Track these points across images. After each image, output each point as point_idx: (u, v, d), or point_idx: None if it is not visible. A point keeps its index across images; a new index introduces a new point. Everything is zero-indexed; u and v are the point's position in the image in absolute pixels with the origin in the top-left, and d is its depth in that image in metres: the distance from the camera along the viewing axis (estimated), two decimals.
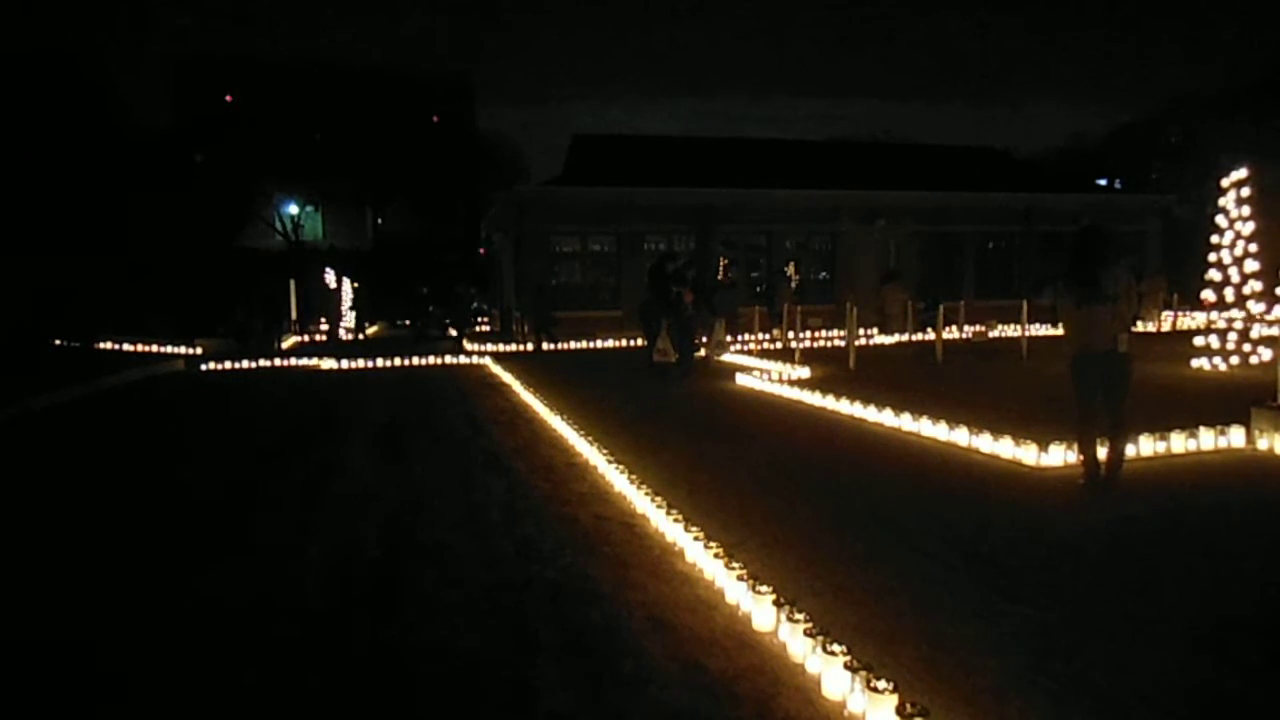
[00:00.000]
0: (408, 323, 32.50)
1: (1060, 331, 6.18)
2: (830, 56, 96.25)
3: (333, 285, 31.51)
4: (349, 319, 33.74)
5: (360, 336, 29.50)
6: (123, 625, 3.84)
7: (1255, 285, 11.68)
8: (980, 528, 4.87)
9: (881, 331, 18.36)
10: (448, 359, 17.41)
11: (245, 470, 7.14)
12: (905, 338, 17.54)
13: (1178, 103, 41.96)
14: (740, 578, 3.78)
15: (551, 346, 18.75)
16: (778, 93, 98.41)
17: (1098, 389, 5.55)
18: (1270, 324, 11.72)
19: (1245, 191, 11.78)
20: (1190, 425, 6.73)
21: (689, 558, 4.38)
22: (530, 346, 19.03)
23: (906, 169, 27.29)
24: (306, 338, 26.99)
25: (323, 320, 29.94)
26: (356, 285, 32.39)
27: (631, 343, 18.18)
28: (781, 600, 3.50)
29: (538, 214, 23.39)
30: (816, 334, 19.81)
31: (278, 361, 17.32)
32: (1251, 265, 11.72)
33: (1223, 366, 11.85)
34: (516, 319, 22.98)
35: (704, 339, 14.04)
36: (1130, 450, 6.04)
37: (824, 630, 3.20)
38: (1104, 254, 5.48)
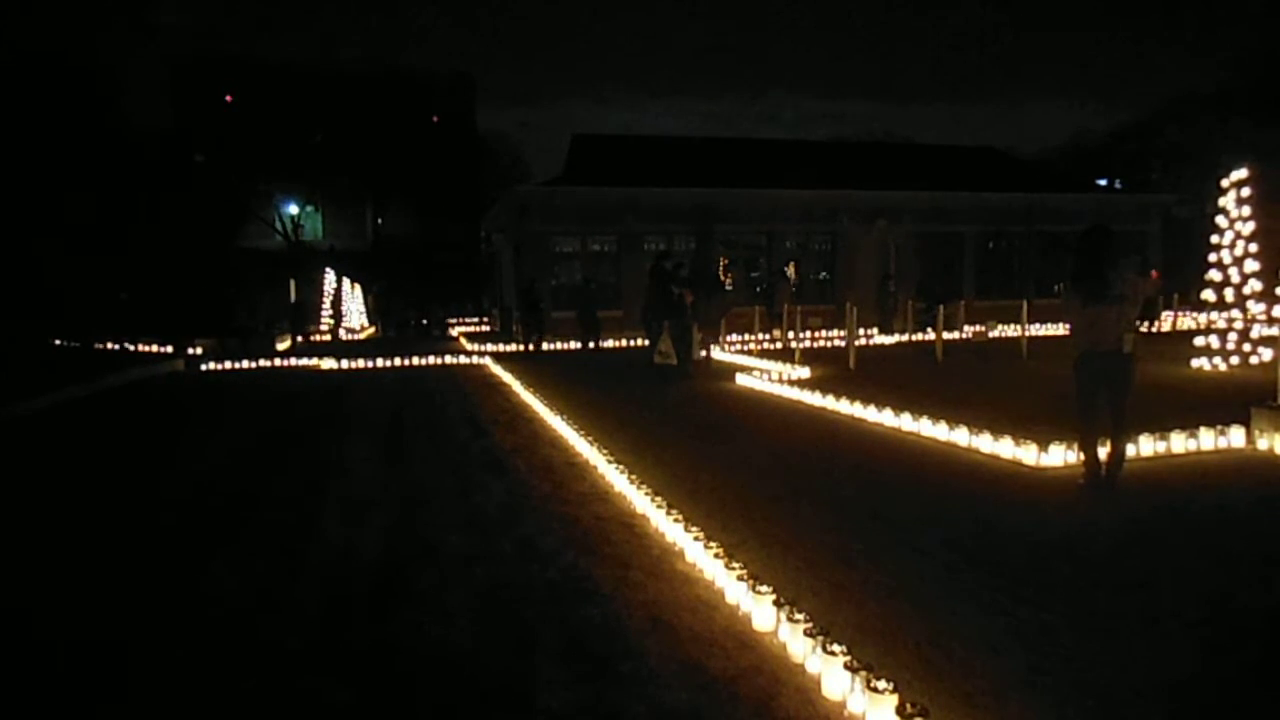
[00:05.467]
0: (411, 323, 32.42)
1: (1065, 331, 6.18)
2: (830, 56, 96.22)
3: (333, 285, 31.54)
4: (350, 319, 33.76)
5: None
6: (123, 624, 3.84)
7: (1255, 285, 11.68)
8: (980, 527, 4.87)
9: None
10: (448, 359, 17.41)
11: (245, 470, 7.14)
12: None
13: (1178, 103, 41.95)
14: (740, 578, 3.78)
15: (548, 346, 18.69)
16: (777, 92, 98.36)
17: (1101, 388, 5.56)
18: (1270, 324, 11.72)
19: (1245, 191, 11.79)
20: (1190, 425, 6.73)
21: (689, 557, 4.38)
22: (521, 346, 18.99)
23: (906, 169, 27.27)
24: (306, 337, 27.01)
25: (323, 320, 29.97)
26: (378, 286, 32.18)
27: (631, 343, 18.18)
28: (781, 600, 3.50)
29: (538, 214, 23.37)
30: (816, 334, 19.81)
31: (278, 361, 17.32)
32: (1251, 265, 11.73)
33: (1223, 366, 11.85)
34: (516, 319, 22.95)
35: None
36: (1130, 450, 6.04)
37: (824, 630, 3.20)
38: (1111, 253, 5.48)
